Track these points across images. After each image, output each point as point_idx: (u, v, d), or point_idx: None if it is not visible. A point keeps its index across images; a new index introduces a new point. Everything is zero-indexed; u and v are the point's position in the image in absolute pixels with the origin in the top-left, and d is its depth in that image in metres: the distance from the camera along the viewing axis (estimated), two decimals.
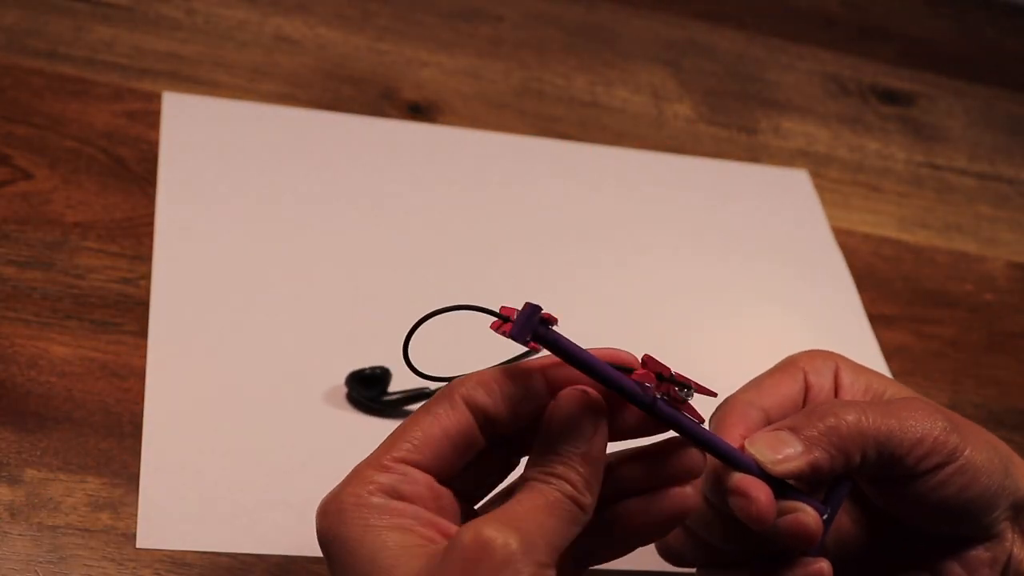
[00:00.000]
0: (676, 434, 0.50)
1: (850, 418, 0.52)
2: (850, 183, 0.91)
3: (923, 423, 0.53)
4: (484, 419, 0.48)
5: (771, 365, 0.58)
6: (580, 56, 0.94)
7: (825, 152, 0.93)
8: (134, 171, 0.73)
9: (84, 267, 0.67)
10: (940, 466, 0.53)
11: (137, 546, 0.56)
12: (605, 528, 0.50)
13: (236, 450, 0.61)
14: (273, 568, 0.57)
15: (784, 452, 0.52)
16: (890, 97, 1.01)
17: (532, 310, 0.45)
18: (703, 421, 0.51)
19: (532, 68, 0.91)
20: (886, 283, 0.84)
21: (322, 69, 0.84)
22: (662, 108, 0.92)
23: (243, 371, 0.65)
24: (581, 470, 0.47)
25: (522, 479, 0.48)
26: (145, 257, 0.68)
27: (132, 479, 0.58)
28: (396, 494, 0.46)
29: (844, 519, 0.58)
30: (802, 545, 0.53)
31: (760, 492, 0.51)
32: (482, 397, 0.48)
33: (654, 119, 0.90)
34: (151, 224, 0.70)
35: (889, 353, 0.78)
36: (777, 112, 0.95)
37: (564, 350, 0.47)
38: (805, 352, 0.58)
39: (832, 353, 0.58)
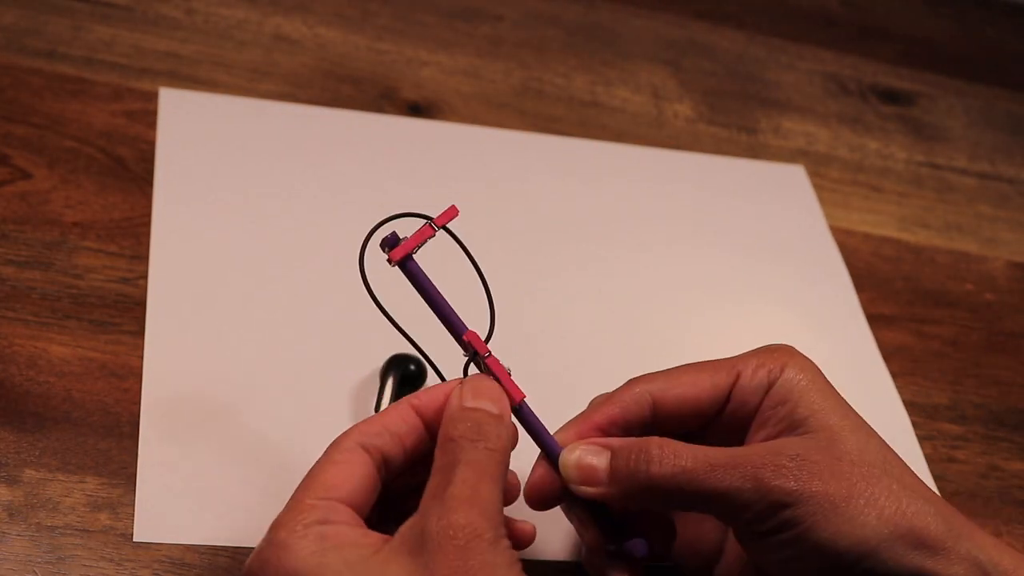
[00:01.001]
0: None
1: (671, 470, 0.51)
2: (850, 183, 0.91)
3: (765, 488, 0.51)
4: (382, 461, 0.50)
5: None
6: (580, 56, 0.94)
7: (825, 152, 0.93)
8: (133, 171, 0.73)
9: (83, 267, 0.67)
10: (775, 529, 0.51)
11: (134, 540, 0.56)
12: None
13: (233, 446, 0.61)
14: None
15: (586, 479, 0.53)
16: (890, 97, 1.01)
17: (393, 239, 0.52)
18: (518, 401, 0.53)
19: (532, 68, 0.91)
20: (886, 283, 0.84)
21: (322, 69, 0.84)
22: (662, 108, 0.91)
23: (241, 368, 0.65)
24: (501, 428, 0.50)
25: (446, 442, 0.49)
26: (144, 257, 0.68)
27: (131, 479, 0.58)
28: (329, 522, 0.47)
29: None
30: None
31: (538, 475, 0.54)
32: (376, 439, 0.50)
33: (654, 119, 0.90)
34: (150, 224, 0.70)
35: (889, 353, 0.78)
36: (777, 112, 0.95)
37: (416, 279, 0.53)
38: (759, 351, 0.56)
39: (784, 355, 0.55)
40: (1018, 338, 0.83)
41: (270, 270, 0.70)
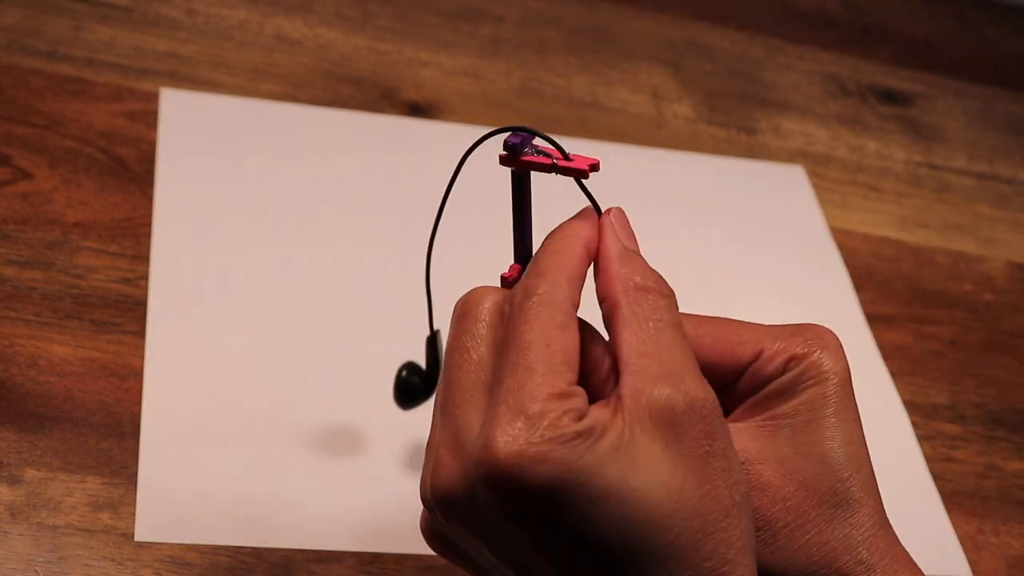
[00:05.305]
0: None
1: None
2: (849, 183, 0.91)
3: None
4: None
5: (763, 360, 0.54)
6: (580, 56, 0.94)
7: (824, 152, 0.93)
8: (134, 171, 0.73)
9: (84, 267, 0.67)
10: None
11: (135, 539, 0.56)
12: None
13: (233, 446, 0.61)
14: (274, 568, 0.57)
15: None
16: (889, 97, 1.01)
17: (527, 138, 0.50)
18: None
19: (532, 68, 0.91)
20: (885, 283, 0.84)
21: (322, 69, 0.84)
22: (662, 108, 0.92)
23: (241, 368, 0.65)
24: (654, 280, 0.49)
25: (612, 304, 0.48)
26: (145, 257, 0.68)
27: (132, 479, 0.58)
28: (582, 415, 0.42)
29: None
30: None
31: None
32: (576, 293, 0.48)
33: (654, 119, 0.90)
34: (151, 224, 0.70)
35: (888, 353, 0.78)
36: (777, 112, 0.95)
37: (522, 193, 0.53)
38: (789, 329, 0.51)
39: (815, 344, 0.49)
40: (1017, 338, 0.83)
41: (271, 270, 0.70)
